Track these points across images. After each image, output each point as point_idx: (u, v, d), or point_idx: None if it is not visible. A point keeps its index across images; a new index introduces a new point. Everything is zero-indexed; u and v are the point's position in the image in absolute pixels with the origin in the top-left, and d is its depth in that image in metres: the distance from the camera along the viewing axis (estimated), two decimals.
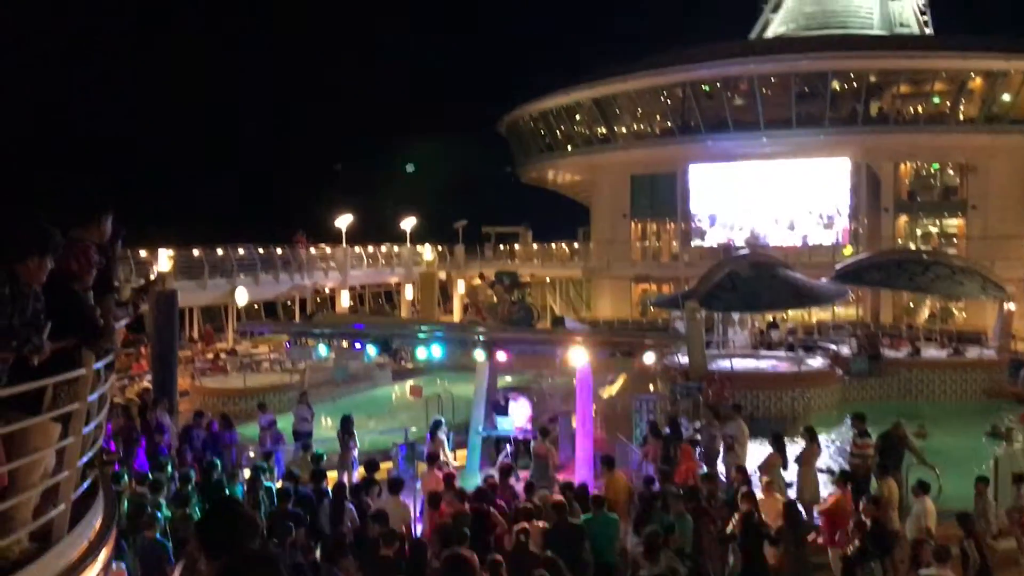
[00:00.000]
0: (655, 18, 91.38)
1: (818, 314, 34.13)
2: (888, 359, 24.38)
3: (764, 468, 12.33)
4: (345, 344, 18.48)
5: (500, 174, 55.44)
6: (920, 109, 36.78)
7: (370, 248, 42.31)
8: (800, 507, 10.45)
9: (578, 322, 33.99)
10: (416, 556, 8.21)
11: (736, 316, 28.13)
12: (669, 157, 39.93)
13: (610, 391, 22.14)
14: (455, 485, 10.79)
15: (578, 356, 14.05)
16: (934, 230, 39.68)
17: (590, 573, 8.77)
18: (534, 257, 47.12)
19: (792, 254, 34.64)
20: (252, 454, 15.32)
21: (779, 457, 12.73)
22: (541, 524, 8.96)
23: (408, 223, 43.45)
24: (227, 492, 10.85)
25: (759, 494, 10.58)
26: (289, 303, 36.69)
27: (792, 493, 12.21)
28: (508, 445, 15.97)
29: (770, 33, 47.61)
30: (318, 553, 9.08)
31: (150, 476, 10.72)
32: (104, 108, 71.88)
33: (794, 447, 13.91)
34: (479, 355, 15.59)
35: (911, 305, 36.53)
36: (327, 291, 39.25)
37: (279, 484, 11.68)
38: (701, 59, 37.60)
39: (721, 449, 14.20)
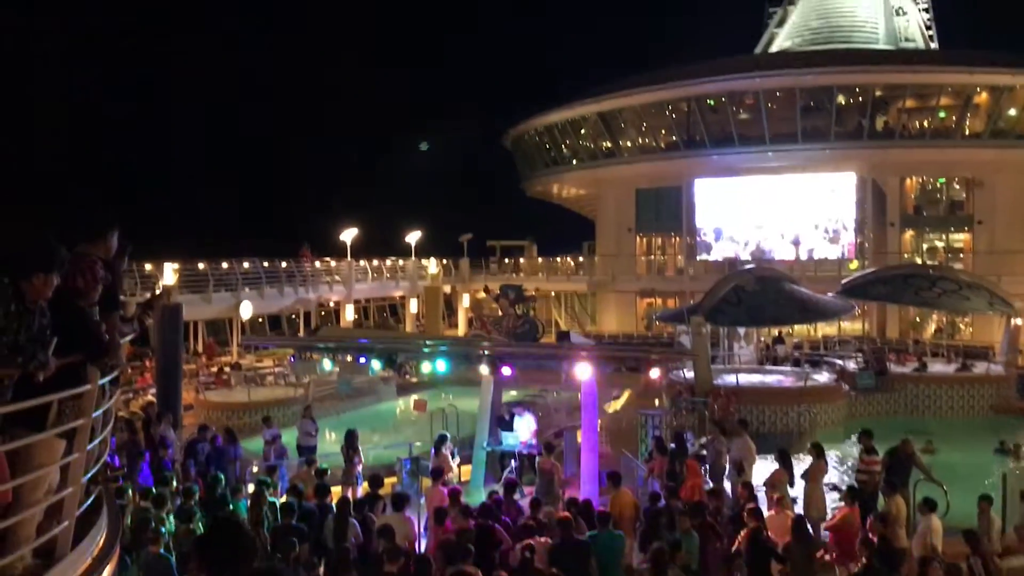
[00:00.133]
0: (660, 33, 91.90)
1: (824, 329, 34.04)
2: (895, 374, 24.25)
3: (770, 484, 12.25)
4: (349, 358, 18.43)
5: (506, 187, 55.63)
6: (926, 124, 36.82)
7: (375, 261, 42.37)
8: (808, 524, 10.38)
9: (583, 336, 33.94)
10: (420, 572, 8.15)
11: (742, 331, 28.04)
12: (674, 171, 40.01)
13: (615, 406, 22.08)
14: (460, 501, 10.74)
15: (583, 371, 14.00)
16: (940, 245, 39.64)
17: None
18: (539, 271, 47.16)
19: (798, 268, 34.62)
20: (256, 469, 15.26)
21: (785, 473, 12.66)
22: (546, 540, 8.91)
23: (413, 236, 43.51)
24: (231, 507, 10.81)
25: (765, 510, 10.51)
26: (293, 317, 36.71)
27: (798, 510, 12.12)
28: (513, 460, 15.90)
29: (775, 48, 47.81)
30: (322, 569, 9.04)
31: (154, 490, 10.69)
32: (105, 115, 72.23)
33: (800, 463, 13.83)
34: (484, 369, 15.55)
35: (917, 320, 36.45)
36: (332, 305, 39.26)
37: (283, 499, 11.64)
38: (706, 74, 37.76)
39: (727, 466, 14.12)
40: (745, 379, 23.26)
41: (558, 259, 51.13)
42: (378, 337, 23.89)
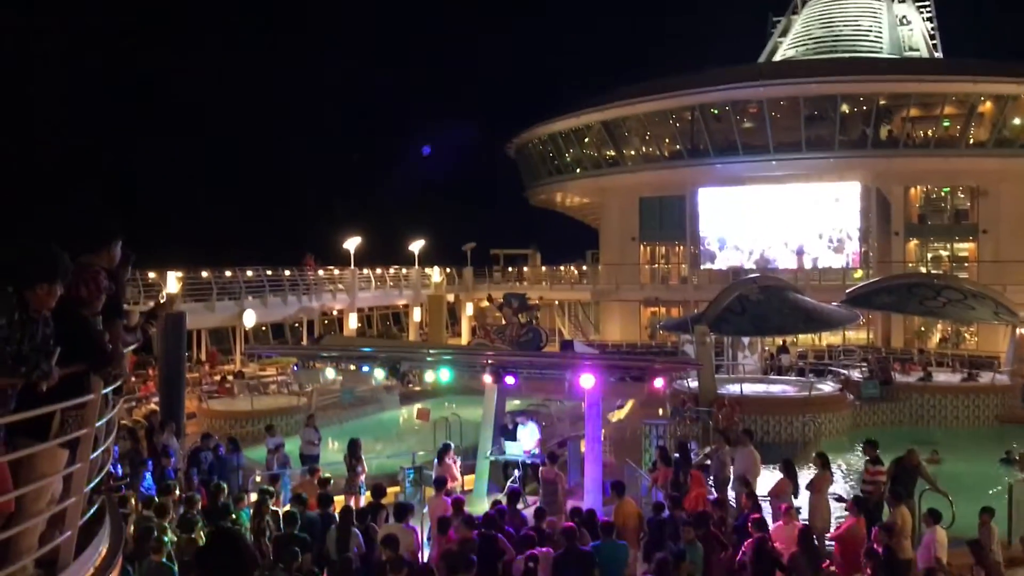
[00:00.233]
0: (665, 43, 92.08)
1: (828, 338, 33.97)
2: (899, 384, 24.19)
3: (775, 494, 12.20)
4: (352, 367, 18.41)
5: (509, 196, 55.68)
6: (930, 133, 36.76)
7: (378, 270, 42.41)
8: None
9: (587, 345, 33.89)
10: None
11: (746, 340, 28.00)
12: (678, 180, 40.01)
13: (619, 415, 22.02)
14: (464, 510, 10.70)
15: (587, 380, 13.96)
16: (945, 254, 39.57)
17: None
18: (543, 279, 47.10)
19: (802, 278, 34.59)
20: (258, 478, 15.23)
21: (790, 483, 12.61)
22: (549, 551, 8.87)
23: (416, 245, 43.55)
24: (233, 516, 10.79)
25: (770, 521, 10.46)
26: (297, 325, 36.72)
27: (803, 520, 12.07)
28: (516, 470, 15.85)
29: (779, 57, 47.85)
30: None
31: (156, 499, 10.67)
32: (105, 116, 72.38)
33: (805, 473, 13.78)
34: (487, 378, 15.52)
35: (922, 329, 36.36)
36: (335, 313, 39.28)
37: (285, 508, 11.61)
38: (710, 83, 37.79)
39: (732, 476, 14.07)
40: (749, 388, 23.24)
41: (562, 268, 51.11)
42: (381, 346, 23.85)
